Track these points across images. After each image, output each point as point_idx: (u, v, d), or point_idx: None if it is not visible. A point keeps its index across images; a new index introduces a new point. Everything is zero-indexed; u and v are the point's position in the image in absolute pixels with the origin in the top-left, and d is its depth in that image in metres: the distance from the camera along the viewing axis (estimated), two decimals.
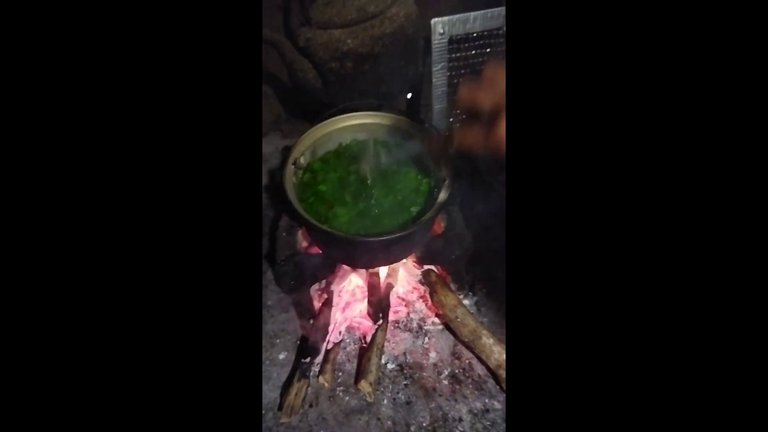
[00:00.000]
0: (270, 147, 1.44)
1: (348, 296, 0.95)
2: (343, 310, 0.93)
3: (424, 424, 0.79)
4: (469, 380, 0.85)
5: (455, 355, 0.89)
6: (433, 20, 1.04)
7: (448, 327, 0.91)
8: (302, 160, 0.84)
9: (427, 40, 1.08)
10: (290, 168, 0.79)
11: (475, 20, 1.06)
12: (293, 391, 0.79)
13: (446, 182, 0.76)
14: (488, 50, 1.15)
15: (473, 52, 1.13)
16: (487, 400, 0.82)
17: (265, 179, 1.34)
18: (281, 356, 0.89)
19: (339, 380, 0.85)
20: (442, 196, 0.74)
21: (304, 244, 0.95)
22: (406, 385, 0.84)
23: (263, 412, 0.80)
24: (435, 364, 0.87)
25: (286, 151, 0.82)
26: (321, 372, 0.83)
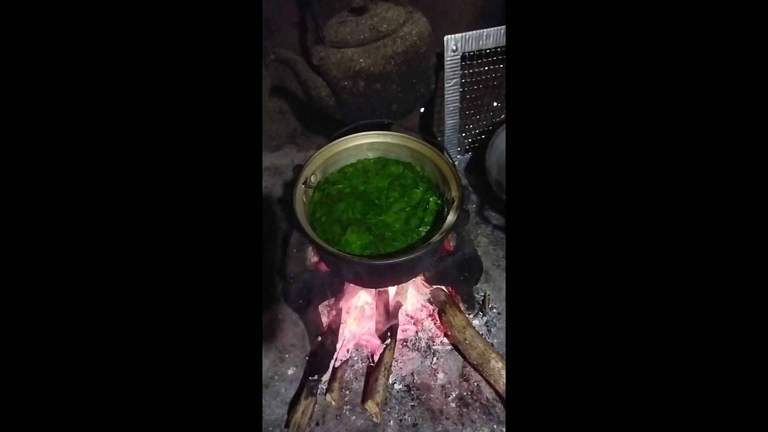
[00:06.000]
0: (285, 159, 1.47)
1: (357, 313, 0.96)
2: (352, 326, 0.93)
3: None
4: (477, 404, 0.84)
5: (463, 377, 0.88)
6: (446, 37, 1.05)
7: (456, 348, 0.90)
8: (312, 179, 0.85)
9: (440, 56, 1.09)
10: (300, 187, 0.81)
11: (488, 37, 1.06)
12: (300, 408, 0.80)
13: (455, 204, 0.76)
14: (501, 66, 1.14)
15: (486, 68, 1.13)
16: (495, 426, 0.80)
17: (279, 191, 1.36)
18: (290, 372, 0.90)
19: (346, 399, 0.85)
20: (450, 218, 0.74)
21: (314, 259, 0.96)
22: (413, 406, 0.84)
23: (270, 429, 0.81)
24: (443, 386, 0.86)
25: (298, 170, 0.84)
26: (328, 390, 0.83)
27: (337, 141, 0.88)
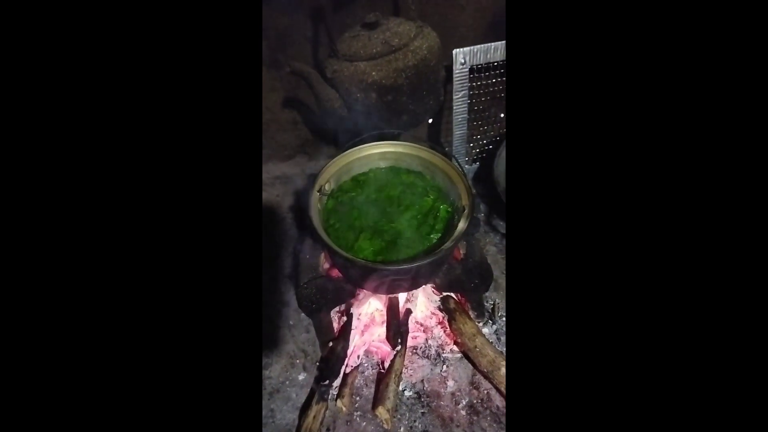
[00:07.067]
0: (296, 169, 1.50)
1: (367, 319, 0.97)
2: (362, 333, 0.94)
3: None
4: (488, 412, 0.84)
5: (474, 385, 0.88)
6: (455, 51, 1.08)
7: (466, 355, 0.91)
8: (327, 187, 0.87)
9: (449, 69, 1.12)
10: (315, 195, 0.83)
11: (496, 50, 1.09)
12: (311, 413, 0.81)
13: (465, 212, 0.78)
14: None
15: (493, 80, 1.15)
16: None
17: (290, 200, 1.39)
18: (301, 377, 0.91)
19: (356, 405, 0.86)
20: (461, 225, 0.75)
21: (326, 266, 0.98)
22: (423, 413, 0.84)
23: None
24: (453, 394, 0.87)
25: (312, 178, 0.86)
26: (339, 395, 0.84)
27: (349, 150, 0.91)
